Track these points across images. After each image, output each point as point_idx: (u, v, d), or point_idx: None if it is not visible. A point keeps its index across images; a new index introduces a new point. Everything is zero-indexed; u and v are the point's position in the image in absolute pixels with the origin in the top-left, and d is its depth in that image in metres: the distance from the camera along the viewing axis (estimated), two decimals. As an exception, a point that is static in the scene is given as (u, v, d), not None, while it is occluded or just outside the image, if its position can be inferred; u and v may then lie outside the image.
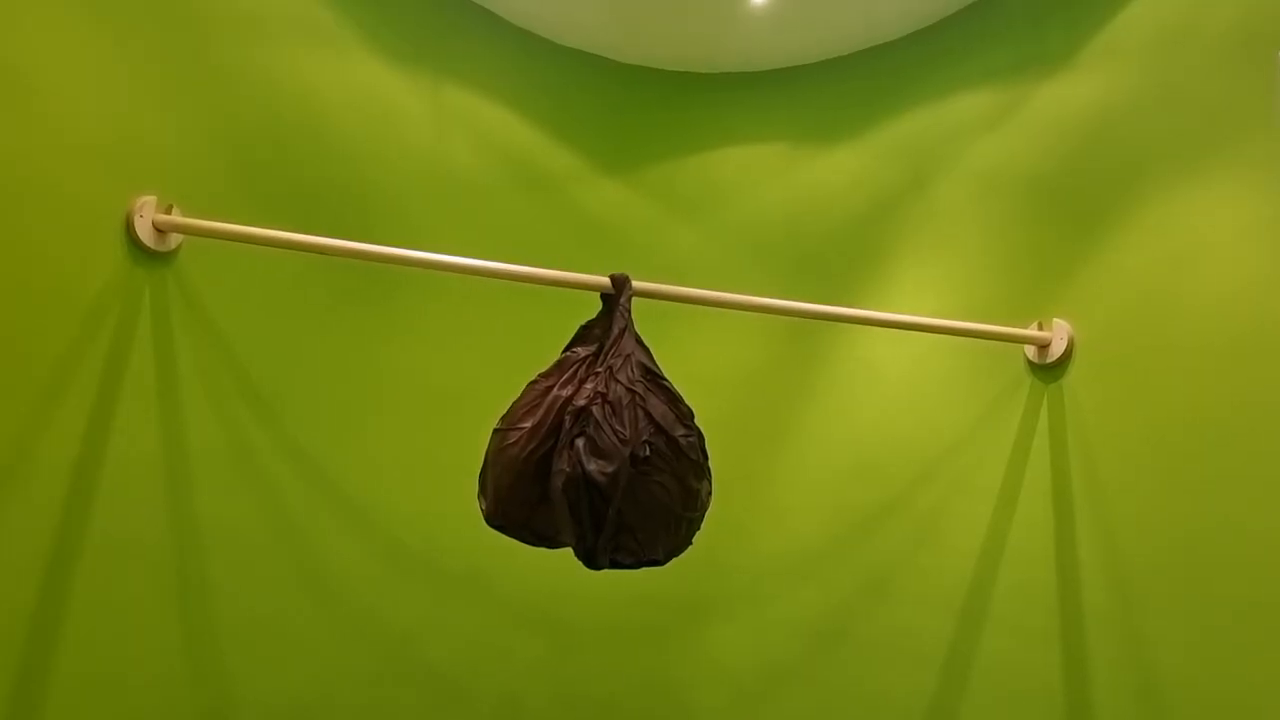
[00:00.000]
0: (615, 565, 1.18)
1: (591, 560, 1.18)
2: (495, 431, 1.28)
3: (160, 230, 1.32)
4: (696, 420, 1.26)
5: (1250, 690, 1.10)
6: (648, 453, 1.13)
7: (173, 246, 1.36)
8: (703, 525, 1.30)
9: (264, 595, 1.69)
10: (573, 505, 1.13)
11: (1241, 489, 1.17)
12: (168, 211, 1.32)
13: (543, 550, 2.02)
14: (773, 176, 2.14)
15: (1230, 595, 1.16)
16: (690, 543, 1.25)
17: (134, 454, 1.41)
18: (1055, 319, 1.49)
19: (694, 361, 1.40)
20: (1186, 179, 1.33)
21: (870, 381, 1.91)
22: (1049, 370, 1.51)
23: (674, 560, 2.03)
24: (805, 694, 1.88)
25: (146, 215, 1.29)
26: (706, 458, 1.24)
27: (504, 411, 1.29)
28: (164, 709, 1.52)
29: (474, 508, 1.33)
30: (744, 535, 2.02)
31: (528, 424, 1.22)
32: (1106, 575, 1.35)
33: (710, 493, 1.26)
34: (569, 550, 1.42)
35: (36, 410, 1.22)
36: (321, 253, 1.29)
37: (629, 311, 1.31)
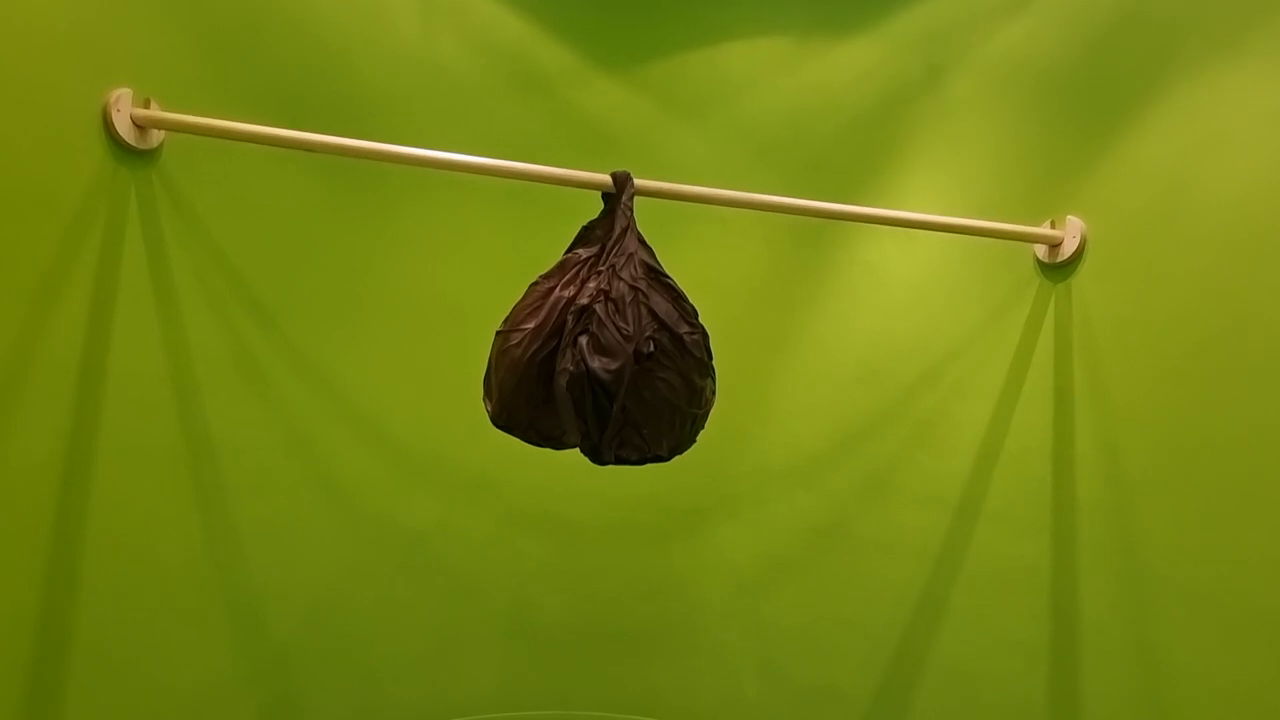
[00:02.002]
0: (620, 461, 1.20)
1: (597, 456, 1.20)
2: (498, 334, 1.28)
3: (140, 126, 1.26)
4: (700, 319, 1.25)
5: (1234, 576, 1.14)
6: (652, 349, 1.13)
7: (154, 144, 1.31)
8: (705, 430, 1.31)
9: (279, 501, 1.74)
10: (577, 403, 1.14)
11: (1244, 385, 1.17)
12: (145, 106, 1.26)
13: (549, 454, 2.06)
14: (779, 72, 2.03)
15: (1222, 487, 1.18)
16: (694, 440, 1.27)
17: (137, 361, 1.41)
18: (1069, 216, 1.45)
19: (696, 267, 1.38)
20: (1217, 61, 1.26)
21: (875, 286, 1.88)
22: (1058, 270, 1.48)
23: (677, 464, 2.08)
24: (804, 587, 1.97)
25: (124, 109, 1.22)
26: (710, 356, 1.24)
27: (506, 314, 1.29)
28: (195, 606, 1.59)
29: (479, 414, 1.34)
30: (746, 440, 2.06)
31: (530, 325, 1.21)
32: (1102, 470, 1.38)
33: (714, 391, 1.27)
34: (575, 454, 1.44)
35: (34, 316, 1.21)
36: (311, 150, 1.24)
37: (631, 210, 1.28)
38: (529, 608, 2.11)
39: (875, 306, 1.88)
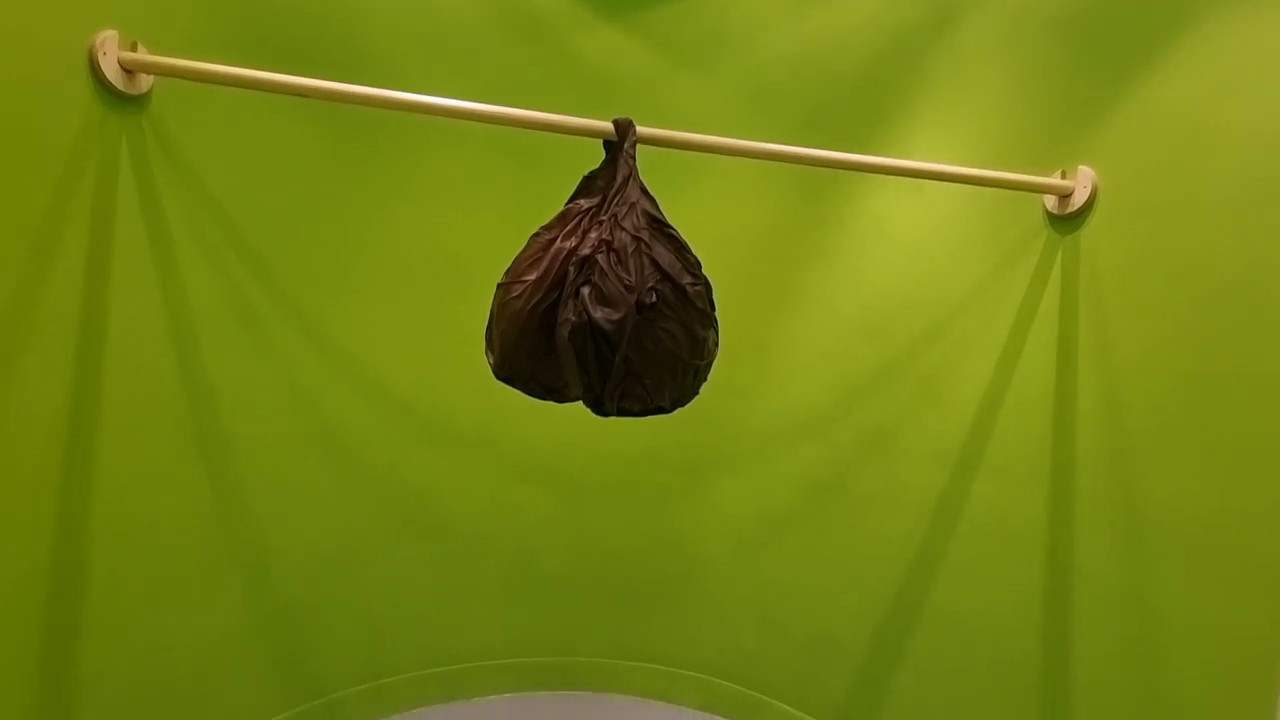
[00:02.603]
0: (623, 413, 1.20)
1: (599, 407, 1.20)
2: (499, 286, 1.26)
3: (128, 70, 1.22)
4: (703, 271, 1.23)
5: (1231, 527, 1.15)
6: (654, 300, 1.12)
7: (144, 89, 1.27)
8: (707, 385, 1.31)
9: (284, 456, 1.75)
10: (579, 354, 1.13)
11: (1254, 337, 1.16)
12: (132, 49, 1.22)
13: (551, 411, 2.06)
14: (784, 17, 1.96)
15: (1223, 440, 1.18)
16: (697, 392, 1.27)
17: (136, 313, 1.40)
18: (1080, 166, 1.42)
19: (699, 221, 1.35)
20: (1235, 2, 1.21)
21: (880, 241, 1.86)
22: (1068, 221, 1.46)
23: (679, 420, 2.08)
24: (803, 541, 1.99)
25: (110, 53, 1.19)
26: (713, 307, 1.23)
27: (507, 266, 1.27)
28: (205, 561, 1.62)
29: (481, 369, 1.33)
30: (748, 396, 2.06)
31: (531, 276, 1.20)
32: (1102, 424, 1.38)
33: (717, 343, 1.26)
34: (577, 411, 1.44)
35: (31, 267, 1.19)
36: (304, 95, 1.21)
37: (633, 158, 1.25)
38: (532, 560, 2.15)
39: (881, 261, 1.86)
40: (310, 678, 1.87)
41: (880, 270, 1.86)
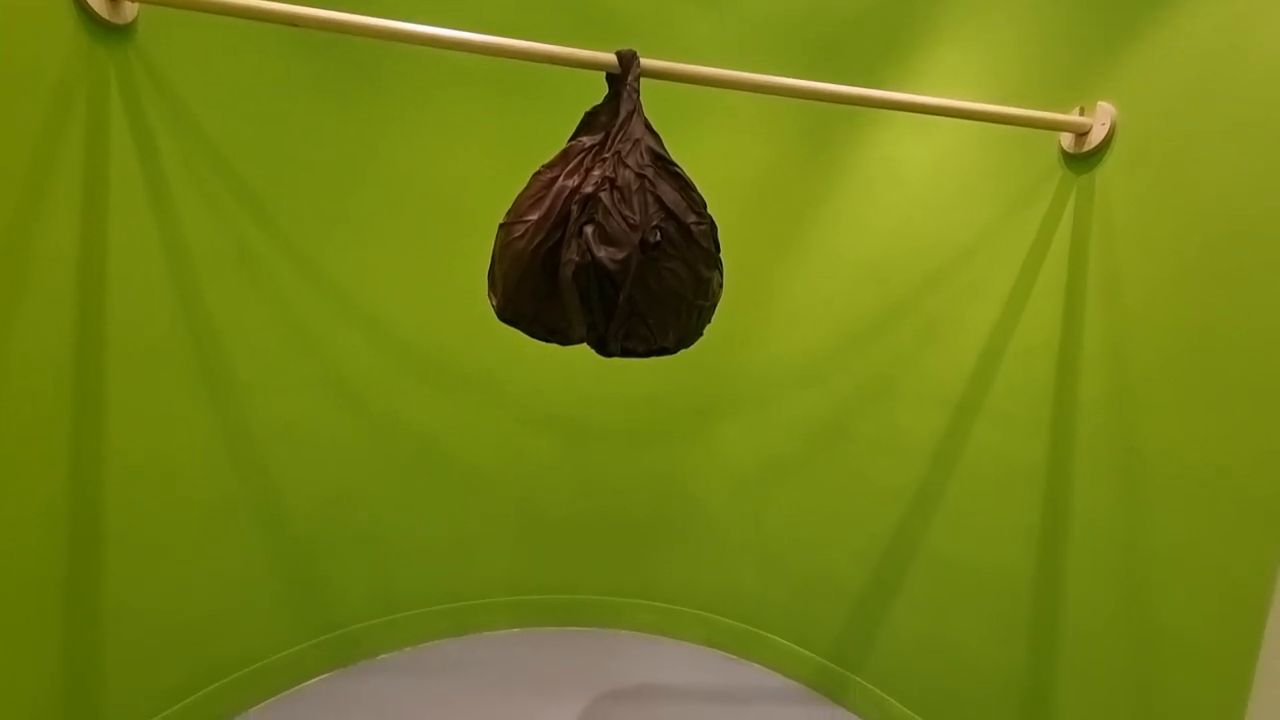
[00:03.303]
0: (626, 353, 1.20)
1: (603, 348, 1.20)
2: (501, 226, 1.24)
3: (111, -2, 1.17)
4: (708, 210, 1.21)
5: (1229, 469, 1.15)
6: (658, 238, 1.10)
7: (129, 19, 1.23)
8: (710, 331, 1.30)
9: (291, 398, 1.77)
10: (583, 293, 1.12)
11: (1259, 281, 1.14)
12: (114, -26, 1.17)
13: (555, 356, 2.06)
14: (796, -54, 1.87)
15: (1226, 382, 1.17)
16: (700, 333, 1.26)
17: (135, 252, 1.40)
18: (1099, 102, 1.37)
19: (704, 163, 1.31)
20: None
21: (888, 185, 1.82)
22: (1083, 161, 1.42)
23: (682, 365, 2.09)
24: (803, 484, 2.03)
25: (92, -22, 1.14)
26: (718, 248, 1.22)
27: (508, 206, 1.25)
28: (218, 499, 1.65)
29: (484, 312, 1.33)
30: (751, 342, 2.06)
31: (533, 216, 1.18)
32: (1106, 368, 1.37)
33: (721, 285, 1.25)
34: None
35: (25, 205, 1.18)
36: (295, 24, 1.16)
37: (637, 92, 1.21)
38: (537, 502, 2.19)
39: (888, 206, 1.82)
40: (326, 612, 1.94)
41: (887, 215, 1.82)
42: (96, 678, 1.43)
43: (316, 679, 1.92)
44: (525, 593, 2.24)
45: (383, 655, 2.05)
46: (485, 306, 1.31)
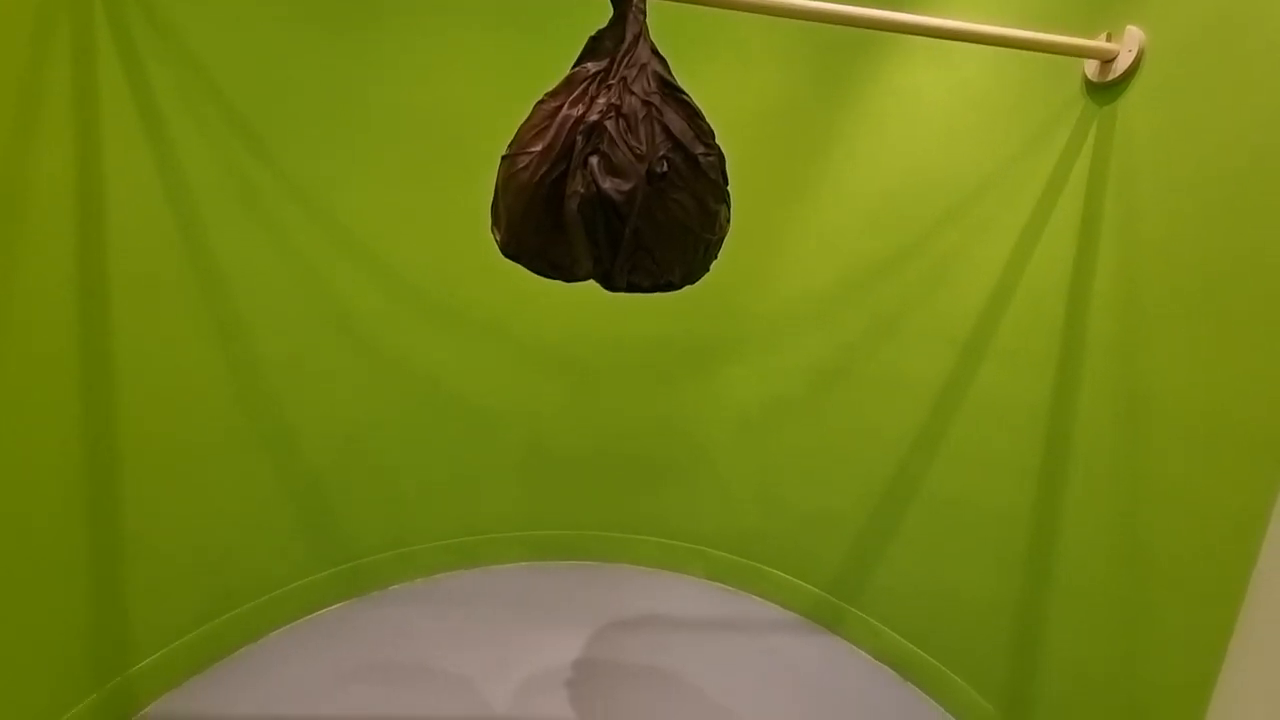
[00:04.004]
0: (632, 288, 1.19)
1: (609, 282, 1.19)
2: (503, 158, 1.21)
3: (89, -91, 1.11)
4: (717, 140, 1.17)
5: (1235, 407, 1.15)
6: (665, 169, 1.07)
7: (109, -67, 1.17)
8: (716, 271, 1.27)
9: (298, 337, 1.77)
10: (588, 226, 1.10)
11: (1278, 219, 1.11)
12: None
13: (561, 297, 2.05)
14: None
15: (1240, 318, 1.15)
16: (707, 269, 1.24)
17: (131, 185, 1.37)
18: (1128, 27, 1.31)
19: (711, 97, 1.26)
20: None
21: (901, 120, 1.76)
22: (1107, 90, 1.36)
23: (688, 306, 2.07)
24: (806, 425, 2.04)
25: (67, -113, 1.07)
26: (726, 180, 1.18)
27: (511, 137, 1.21)
28: (230, 437, 1.68)
29: (488, 250, 1.30)
30: (757, 283, 2.04)
31: (537, 147, 1.14)
32: (1117, 306, 1.36)
33: (729, 219, 1.22)
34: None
35: (15, 134, 1.15)
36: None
37: (644, 14, 1.15)
38: (544, 441, 2.22)
39: (900, 142, 1.77)
40: (339, 544, 2.00)
41: (899, 152, 1.77)
42: (122, 603, 1.49)
43: (331, 607, 2.00)
44: (532, 528, 2.30)
45: (394, 586, 2.13)
46: (490, 243, 1.29)
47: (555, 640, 1.93)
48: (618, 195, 1.06)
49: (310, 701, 1.62)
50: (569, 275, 1.28)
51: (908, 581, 1.87)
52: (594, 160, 1.08)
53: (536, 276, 1.26)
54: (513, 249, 1.25)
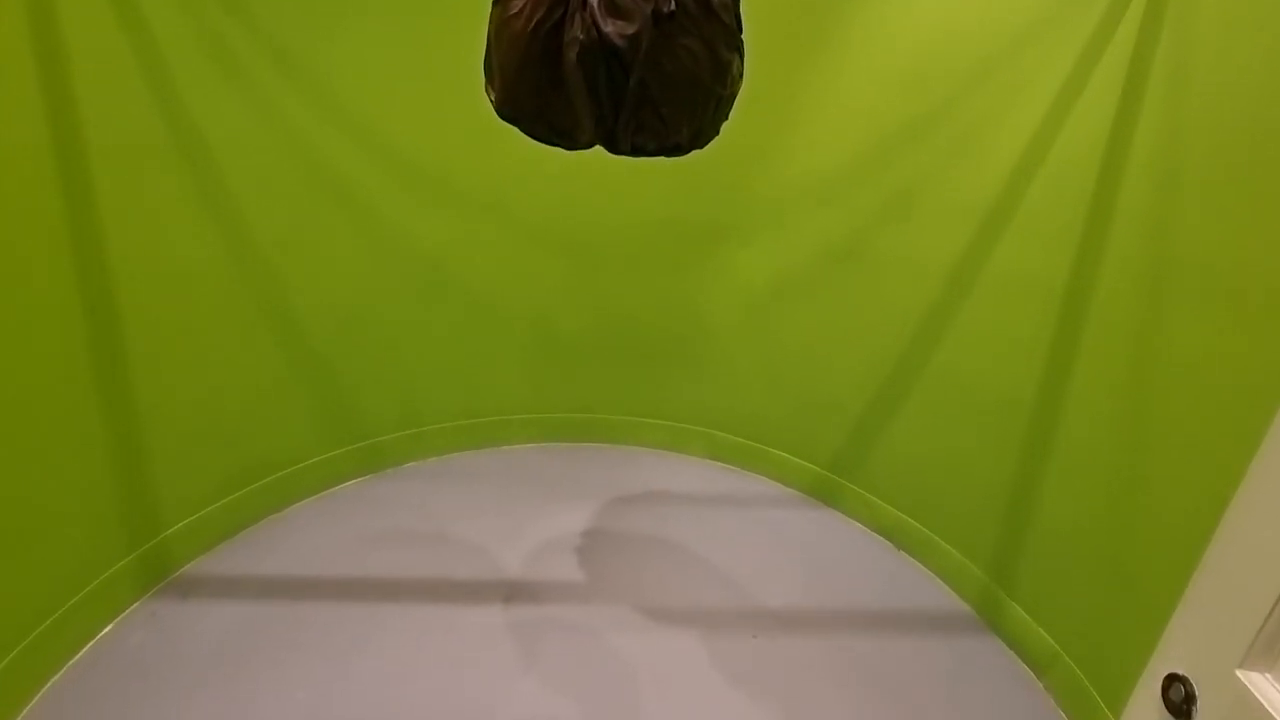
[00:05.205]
0: (637, 151, 1.12)
1: (612, 144, 1.12)
2: (495, 2, 1.10)
3: None
4: (730, -21, 1.05)
5: (1257, 280, 1.10)
6: (672, 8, 0.97)
7: None
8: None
9: (291, 212, 1.71)
10: (589, 78, 1.02)
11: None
12: None
13: (564, 176, 1.97)
14: None
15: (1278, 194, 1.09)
16: (717, 130, 1.16)
17: (98, 51, 1.27)
18: None
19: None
20: None
21: (938, -37, 1.59)
22: (1172, -78, 1.21)
23: (695, 184, 1.99)
24: (814, 307, 2.01)
25: None
26: (740, 26, 1.08)
27: (502, -22, 1.09)
28: (229, 313, 1.66)
29: (485, 118, 1.22)
30: (768, 159, 1.93)
31: (531, -12, 1.04)
32: (1154, 175, 1.27)
33: (742, 73, 1.13)
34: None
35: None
36: None
37: None
38: (550, 324, 2.21)
39: (933, -10, 1.61)
40: (353, 423, 2.05)
41: (932, 3, 1.61)
42: (147, 473, 1.55)
43: (349, 482, 2.08)
44: (540, 411, 2.35)
45: (409, 464, 2.20)
46: (487, 111, 1.20)
47: (564, 513, 2.01)
48: (621, 40, 0.97)
49: (336, 565, 1.72)
50: (571, 141, 1.20)
51: (905, 459, 1.91)
52: (594, 0, 0.98)
53: (537, 147, 1.19)
54: (509, 110, 1.17)
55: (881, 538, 2.01)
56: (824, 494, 2.16)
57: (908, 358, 1.85)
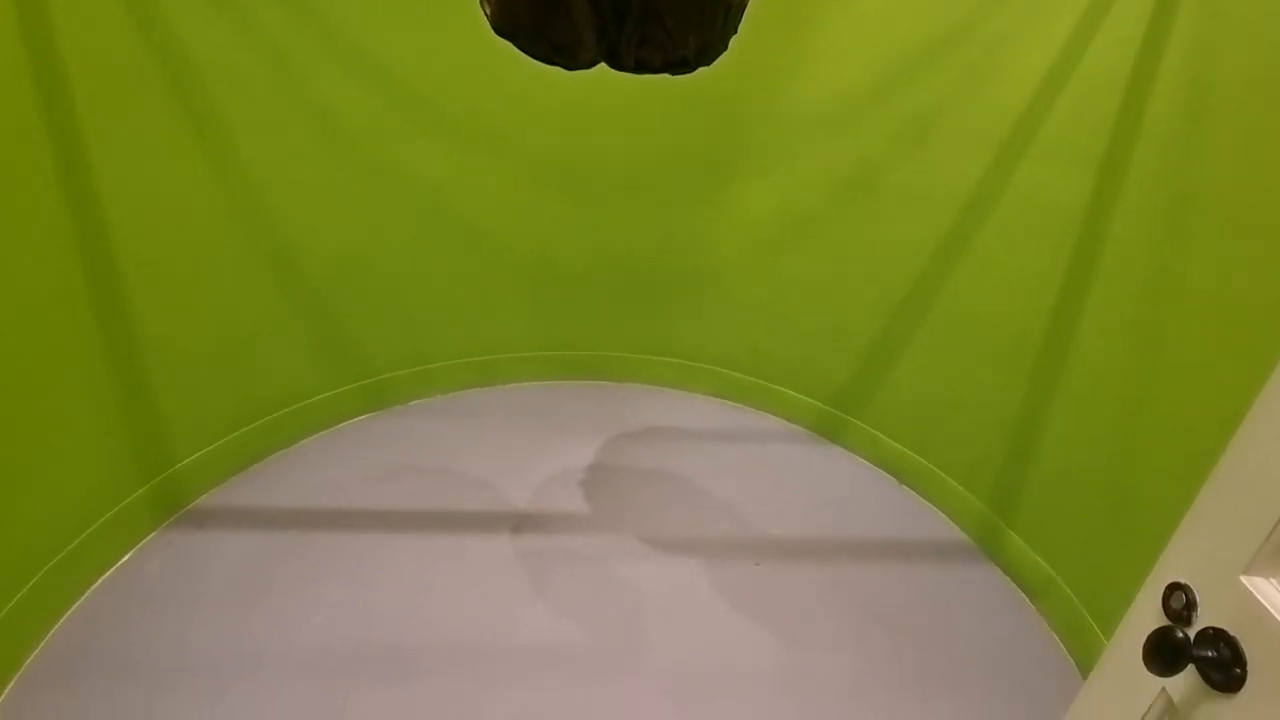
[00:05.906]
0: (641, 66, 1.07)
1: (616, 60, 1.07)
2: (489, -94, 1.03)
3: None
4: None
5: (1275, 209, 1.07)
6: (679, -94, 0.91)
7: None
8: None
9: (283, 143, 1.66)
10: (591, -12, 0.96)
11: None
12: None
13: (565, 107, 1.89)
14: None
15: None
16: (725, 45, 1.10)
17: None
18: None
19: None
20: None
21: None
22: None
23: (702, 115, 1.92)
24: (823, 240, 1.97)
25: None
26: (751, -71, 1.01)
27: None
28: (226, 246, 1.64)
29: (483, 42, 1.16)
30: (777, 85, 1.85)
31: (527, -114, 0.97)
32: (1182, 96, 1.22)
33: (751, -18, 1.06)
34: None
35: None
36: None
37: None
38: (553, 261, 2.18)
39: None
40: (358, 361, 2.05)
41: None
42: (155, 406, 1.56)
43: (357, 419, 2.10)
44: (546, 348, 2.34)
45: (415, 401, 2.22)
46: (485, 37, 1.14)
47: (570, 448, 2.04)
48: (623, -57, 0.91)
49: (346, 497, 1.76)
50: (571, 59, 1.14)
51: (910, 393, 1.91)
52: (595, -100, 0.92)
53: (536, 71, 1.13)
54: (507, 24, 1.11)
55: (884, 472, 2.03)
56: (829, 430, 2.17)
57: (917, 292, 1.82)
